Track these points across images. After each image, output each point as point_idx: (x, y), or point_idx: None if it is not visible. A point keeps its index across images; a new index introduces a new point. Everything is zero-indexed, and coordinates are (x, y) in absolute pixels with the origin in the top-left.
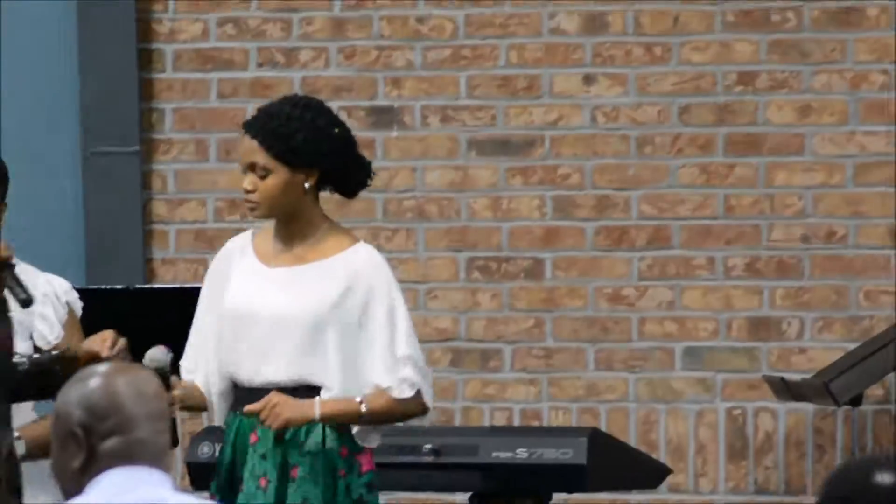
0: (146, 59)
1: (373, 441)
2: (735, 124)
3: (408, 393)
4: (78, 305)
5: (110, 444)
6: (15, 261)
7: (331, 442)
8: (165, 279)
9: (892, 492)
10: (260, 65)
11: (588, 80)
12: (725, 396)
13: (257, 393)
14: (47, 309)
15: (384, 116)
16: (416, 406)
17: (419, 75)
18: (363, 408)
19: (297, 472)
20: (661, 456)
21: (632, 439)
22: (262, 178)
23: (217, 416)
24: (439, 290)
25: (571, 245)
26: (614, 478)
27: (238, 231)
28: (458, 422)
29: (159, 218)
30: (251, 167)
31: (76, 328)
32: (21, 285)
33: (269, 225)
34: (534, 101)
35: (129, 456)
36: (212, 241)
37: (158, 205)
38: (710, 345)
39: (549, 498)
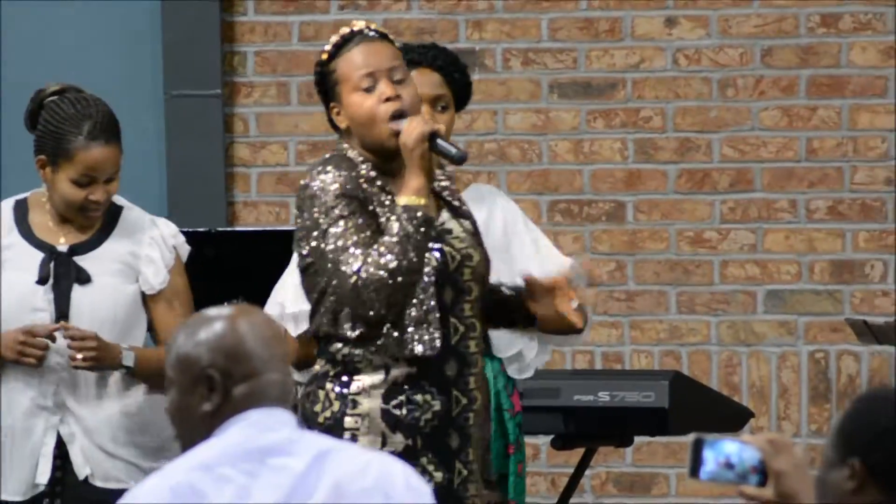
0: (228, 2)
1: (526, 375)
2: (818, 66)
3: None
4: (185, 250)
5: (244, 387)
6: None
7: (500, 381)
8: (247, 222)
9: None
10: (342, 7)
11: (670, 22)
12: (808, 339)
13: None
14: (154, 252)
15: (465, 59)
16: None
17: (501, 18)
18: None
19: None
20: (744, 399)
21: (714, 383)
22: (441, 112)
23: None
24: None
25: (653, 188)
26: (696, 421)
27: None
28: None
29: (241, 161)
30: (433, 100)
31: (181, 273)
32: (450, 144)
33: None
34: (615, 44)
35: (259, 398)
36: (293, 185)
37: (240, 148)
38: (792, 288)
39: (631, 441)
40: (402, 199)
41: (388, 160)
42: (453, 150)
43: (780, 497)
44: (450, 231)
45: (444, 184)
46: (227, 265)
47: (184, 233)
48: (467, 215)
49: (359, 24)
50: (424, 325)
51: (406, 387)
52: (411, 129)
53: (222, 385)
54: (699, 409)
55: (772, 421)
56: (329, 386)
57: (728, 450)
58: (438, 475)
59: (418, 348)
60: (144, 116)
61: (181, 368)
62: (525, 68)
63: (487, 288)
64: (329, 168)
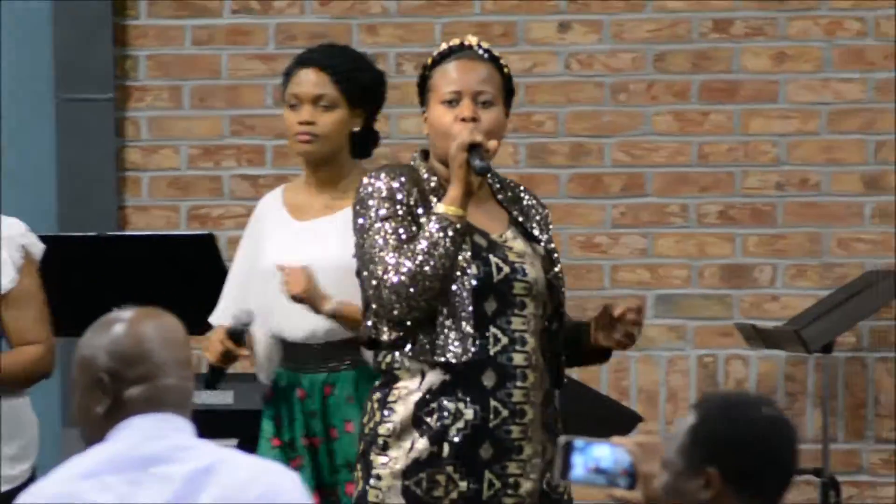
0: (120, 5)
1: None
2: (710, 71)
3: None
4: (37, 248)
5: (137, 390)
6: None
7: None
8: (138, 226)
9: (776, 422)
10: (235, 11)
11: (563, 27)
12: (697, 344)
13: (299, 347)
14: (2, 253)
15: None
16: None
17: (395, 22)
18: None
19: (352, 428)
20: (633, 403)
21: (603, 387)
22: (325, 111)
23: (265, 373)
24: None
25: (545, 192)
26: (585, 425)
27: (213, 179)
28: None
29: (133, 165)
30: (315, 100)
31: (32, 273)
32: (476, 157)
33: (301, 178)
34: (509, 49)
35: (155, 402)
36: (185, 189)
37: (132, 152)
38: (682, 292)
39: None
40: (439, 207)
41: None
42: (475, 162)
43: (648, 500)
44: (511, 247)
45: (530, 211)
46: (118, 270)
47: (74, 237)
48: (542, 242)
49: (471, 40)
50: (456, 333)
51: (440, 394)
52: (456, 139)
53: (112, 388)
54: (588, 414)
55: (661, 425)
56: (375, 396)
57: (598, 454)
58: (463, 485)
59: (449, 355)
60: (35, 120)
61: (80, 370)
62: (419, 73)
63: (563, 319)
64: (382, 173)
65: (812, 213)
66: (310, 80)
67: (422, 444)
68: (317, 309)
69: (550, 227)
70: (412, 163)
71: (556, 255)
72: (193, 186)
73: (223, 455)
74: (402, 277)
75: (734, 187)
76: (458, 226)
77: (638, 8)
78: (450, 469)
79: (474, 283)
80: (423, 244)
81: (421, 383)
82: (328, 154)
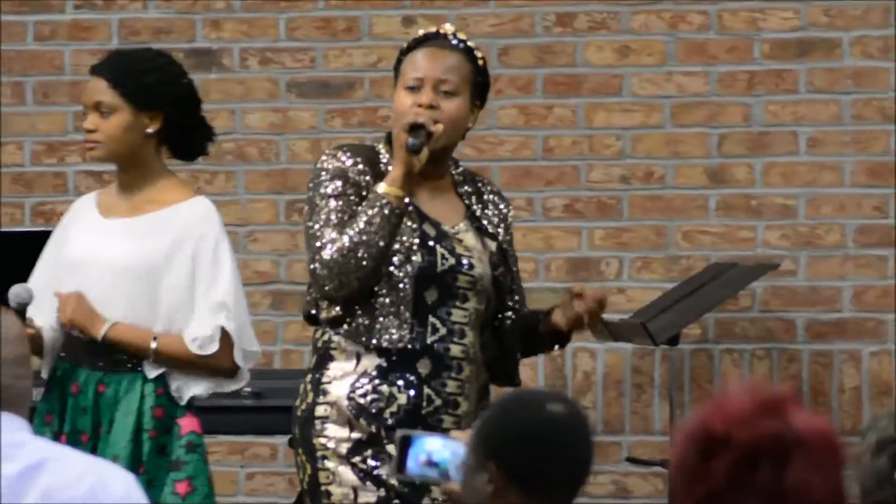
0: None
1: (190, 392)
2: (554, 65)
3: (207, 349)
4: None
5: None
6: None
7: (147, 402)
8: None
9: (565, 418)
10: (77, 7)
11: (407, 21)
12: None
13: (82, 341)
14: None
15: (203, 59)
16: (219, 362)
17: (238, 17)
18: (153, 344)
19: (112, 430)
20: None
21: None
22: (106, 117)
23: (46, 365)
24: (259, 233)
25: None
26: None
27: (57, 175)
28: (278, 364)
29: None
30: (96, 106)
31: None
32: (412, 137)
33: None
34: (353, 43)
35: None
36: (30, 185)
37: None
38: (529, 285)
39: None
40: (379, 187)
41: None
42: (409, 140)
43: None
44: (460, 239)
45: (489, 206)
46: None
47: None
48: (496, 238)
49: (446, 29)
50: (394, 318)
51: (374, 378)
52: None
53: None
54: None
55: None
56: (308, 378)
57: (429, 447)
58: None
59: (385, 340)
60: None
61: None
62: (263, 67)
63: (515, 315)
64: (338, 152)
65: (657, 205)
66: (91, 88)
67: (362, 424)
68: (90, 336)
69: (509, 224)
70: (376, 146)
71: (509, 253)
72: (37, 183)
73: (55, 452)
74: (335, 254)
75: (579, 181)
76: (395, 205)
77: (481, 2)
78: (391, 448)
79: (417, 270)
80: (357, 223)
81: (356, 366)
82: (120, 158)
